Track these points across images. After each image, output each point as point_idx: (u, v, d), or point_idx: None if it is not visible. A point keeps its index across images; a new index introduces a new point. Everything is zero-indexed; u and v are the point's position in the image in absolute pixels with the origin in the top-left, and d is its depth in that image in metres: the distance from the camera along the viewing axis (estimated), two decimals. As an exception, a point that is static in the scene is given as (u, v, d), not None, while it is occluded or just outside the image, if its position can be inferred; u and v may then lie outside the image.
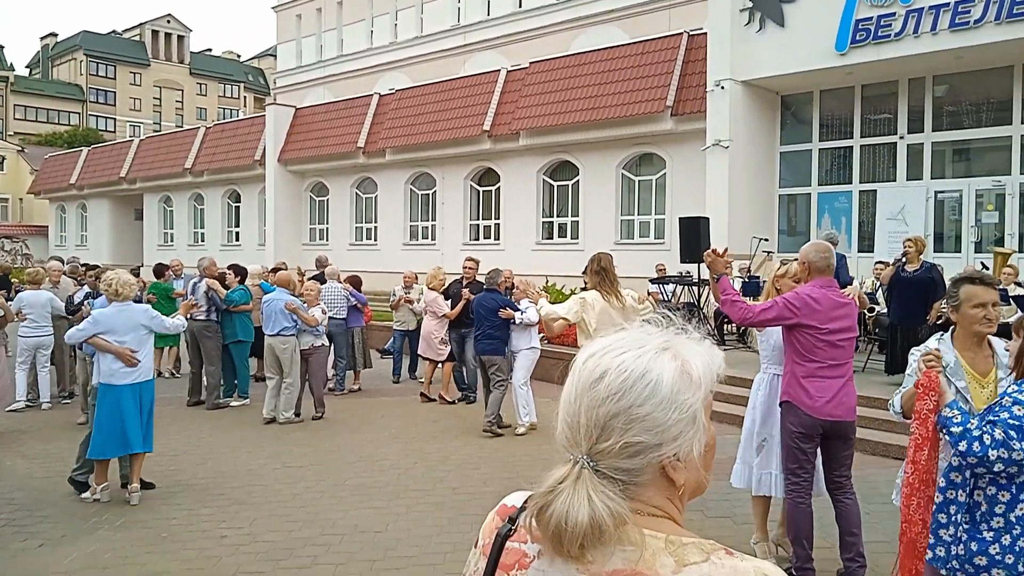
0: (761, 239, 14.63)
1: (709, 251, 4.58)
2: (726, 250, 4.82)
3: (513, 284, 10.49)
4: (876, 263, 12.75)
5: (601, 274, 6.31)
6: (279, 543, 5.46)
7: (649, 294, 15.41)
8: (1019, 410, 2.79)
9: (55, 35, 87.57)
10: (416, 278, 12.64)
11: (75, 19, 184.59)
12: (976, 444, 2.81)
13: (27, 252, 36.24)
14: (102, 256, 31.39)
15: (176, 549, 5.35)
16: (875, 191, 15.51)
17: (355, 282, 12.01)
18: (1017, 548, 2.80)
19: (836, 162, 16.39)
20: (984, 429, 2.83)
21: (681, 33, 17.86)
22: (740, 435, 5.34)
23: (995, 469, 2.80)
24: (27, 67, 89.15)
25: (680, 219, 13.63)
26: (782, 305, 4.45)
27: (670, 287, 14.64)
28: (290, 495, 6.54)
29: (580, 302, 6.21)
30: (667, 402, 1.05)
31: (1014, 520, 2.83)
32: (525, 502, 1.15)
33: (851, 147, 15.98)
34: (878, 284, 11.06)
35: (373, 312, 13.01)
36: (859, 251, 15.59)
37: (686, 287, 14.23)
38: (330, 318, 10.57)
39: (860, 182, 15.89)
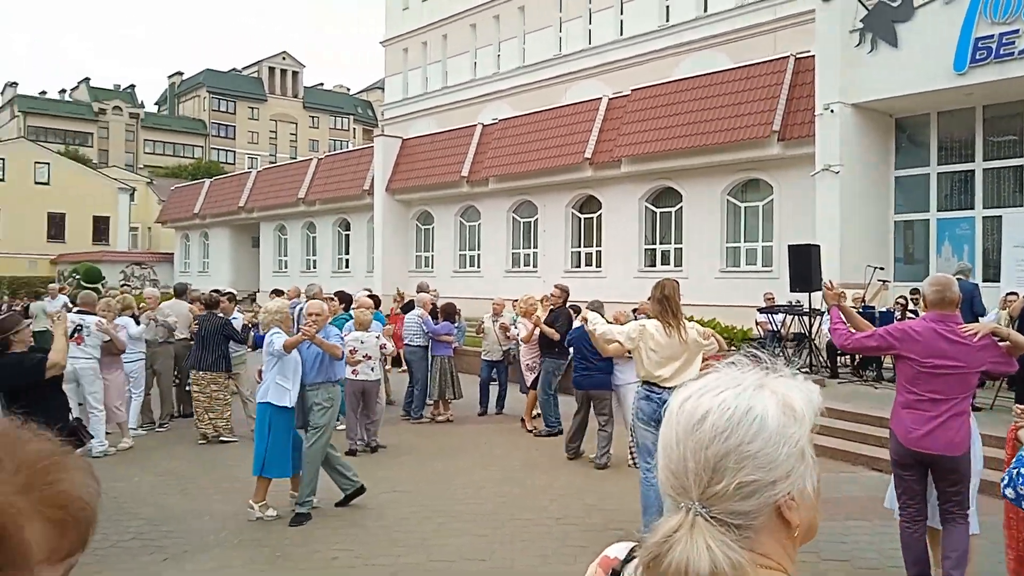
0: (876, 268, 14.07)
1: (826, 281, 4.94)
2: (831, 282, 5.35)
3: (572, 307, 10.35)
4: (1008, 294, 12.04)
5: (663, 303, 5.87)
6: (388, 567, 5.58)
7: (757, 324, 15.06)
8: None
9: (181, 74, 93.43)
10: (503, 305, 12.47)
11: (199, 58, 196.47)
12: None
13: (154, 278, 38.50)
14: (222, 281, 33.02)
15: (289, 569, 5.55)
16: (1000, 217, 14.69)
17: (449, 310, 11.80)
18: None
19: (956, 187, 15.63)
20: None
21: (788, 56, 17.51)
22: (860, 472, 5.26)
23: None
24: (156, 104, 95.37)
25: (789, 247, 13.27)
26: (882, 334, 4.71)
27: (779, 317, 14.25)
28: (397, 519, 6.68)
29: (640, 330, 5.91)
30: (776, 437, 1.02)
31: None
32: (630, 553, 1.13)
33: (973, 171, 15.22)
34: (1005, 316, 10.43)
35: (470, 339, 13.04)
36: (983, 280, 14.74)
37: (796, 317, 13.81)
38: (407, 345, 10.97)
39: (984, 207, 15.09)
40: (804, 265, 12.47)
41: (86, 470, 0.72)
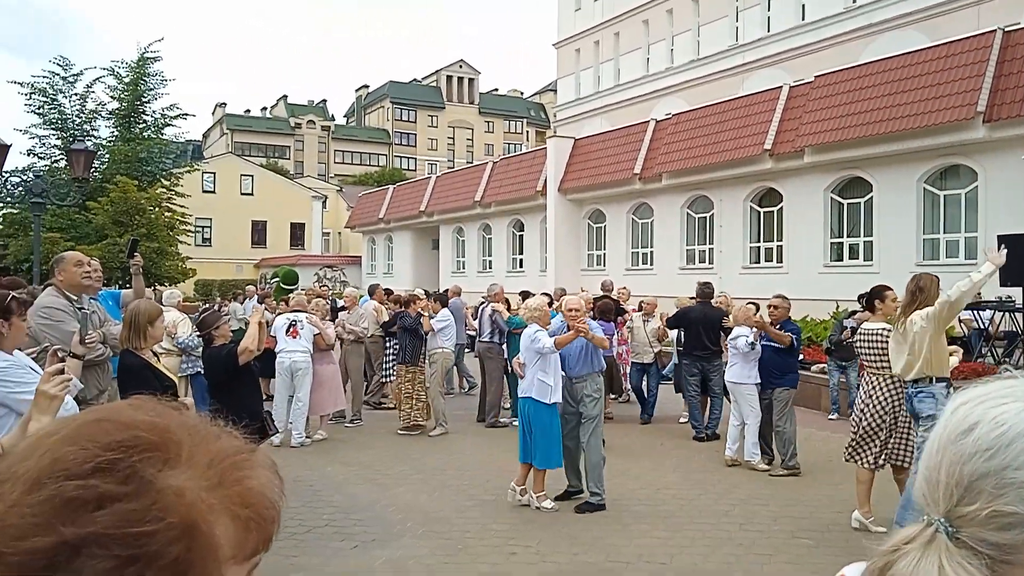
0: (1104, 258, 12.51)
1: None
2: None
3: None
4: None
5: (918, 294, 5.84)
6: (564, 565, 5.60)
7: (961, 321, 13.86)
8: None
9: (367, 86, 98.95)
10: (655, 305, 11.89)
11: (384, 70, 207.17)
12: None
13: (344, 279, 40.90)
14: (405, 282, 34.57)
15: (469, 561, 5.70)
16: None
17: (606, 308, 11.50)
18: None
19: None
20: None
21: (994, 30, 15.93)
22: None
23: None
24: (345, 116, 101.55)
25: (999, 237, 12.07)
26: None
27: (987, 313, 13.03)
28: (574, 517, 6.70)
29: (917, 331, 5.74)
30: None
31: None
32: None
33: None
34: None
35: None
36: None
37: (1007, 313, 12.58)
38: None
39: None
40: (1017, 256, 11.29)
41: (272, 468, 0.72)
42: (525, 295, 11.78)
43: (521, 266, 30.68)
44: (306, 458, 8.97)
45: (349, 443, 9.83)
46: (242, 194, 50.61)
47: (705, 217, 23.14)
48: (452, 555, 5.82)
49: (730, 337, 8.85)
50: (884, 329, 6.31)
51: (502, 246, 31.76)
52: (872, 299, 6.81)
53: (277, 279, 35.07)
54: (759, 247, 21.62)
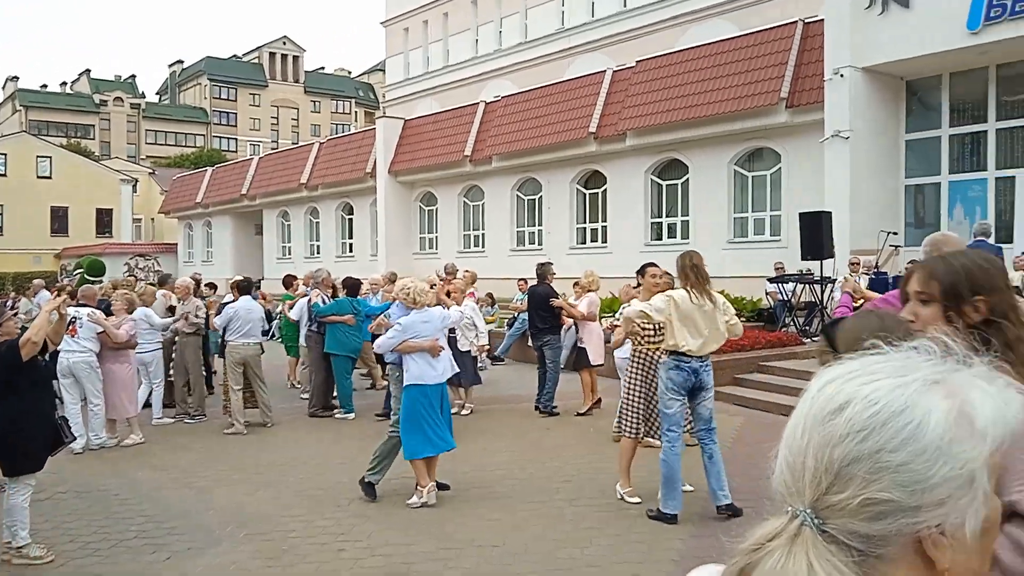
0: (888, 233, 13.79)
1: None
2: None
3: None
4: (1020, 254, 11.78)
5: (695, 272, 5.98)
6: (397, 557, 5.41)
7: (767, 294, 14.83)
8: None
9: (181, 62, 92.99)
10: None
11: (200, 46, 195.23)
12: None
13: (159, 269, 38.28)
14: (226, 270, 32.87)
15: (296, 563, 5.37)
16: (1014, 177, 14.36)
17: (354, 287, 11.14)
18: None
19: (968, 148, 15.26)
20: None
21: (795, 21, 17.08)
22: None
23: None
24: (157, 94, 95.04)
25: (800, 214, 13.02)
26: (874, 303, 4.27)
27: (790, 286, 14.00)
28: (406, 505, 6.50)
29: (669, 301, 5.92)
30: (934, 451, 0.78)
31: None
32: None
33: (985, 131, 14.85)
34: (1019, 278, 10.18)
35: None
36: (997, 242, 14.42)
37: (807, 285, 13.56)
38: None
39: (996, 168, 14.74)
40: (815, 233, 12.24)
41: None
42: (349, 282, 11.22)
43: (351, 251, 29.95)
44: (114, 464, 8.21)
45: (164, 445, 9.10)
46: (39, 177, 46.19)
47: (534, 199, 23.48)
48: (276, 557, 5.47)
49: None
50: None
51: (331, 230, 30.85)
52: (637, 275, 7.26)
53: (81, 270, 32.36)
54: (585, 228, 22.21)
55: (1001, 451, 0.80)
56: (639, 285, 7.25)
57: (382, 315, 6.89)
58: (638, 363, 6.72)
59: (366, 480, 6.70)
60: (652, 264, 7.16)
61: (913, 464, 0.78)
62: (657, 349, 6.53)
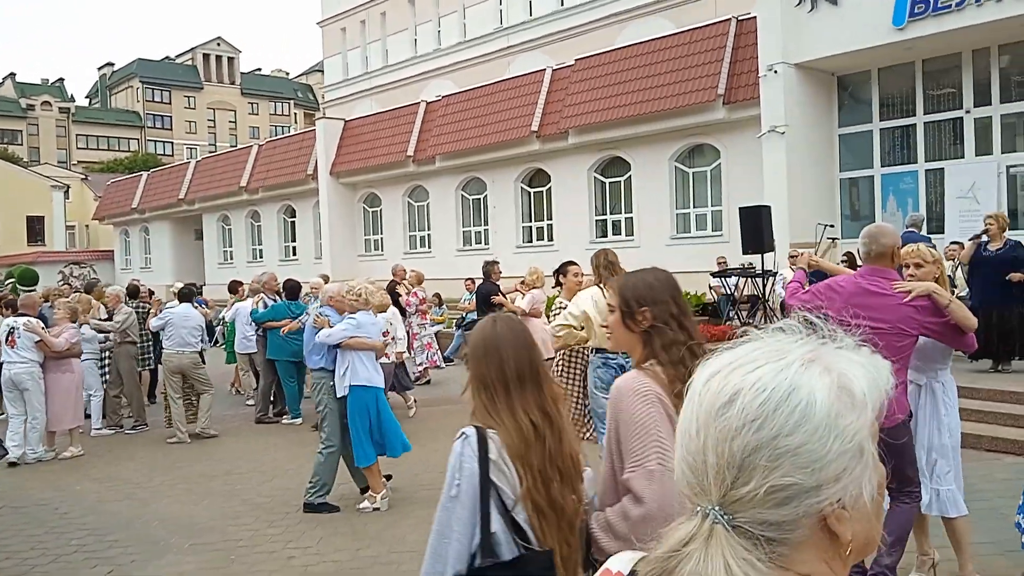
0: (826, 225, 14.15)
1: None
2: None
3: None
4: (950, 243, 12.19)
5: (611, 269, 5.95)
6: (346, 562, 5.36)
7: (711, 288, 15.08)
8: None
9: (112, 64, 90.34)
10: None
11: (130, 48, 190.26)
12: None
13: (95, 277, 37.24)
14: (166, 277, 32.09)
15: (244, 572, 5.28)
16: (942, 169, 14.85)
17: (294, 289, 10.93)
18: None
19: (899, 142, 15.74)
20: None
21: (729, 19, 17.41)
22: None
23: None
24: (87, 97, 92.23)
25: (740, 209, 13.26)
26: (811, 291, 4.33)
27: (732, 280, 14.26)
28: (356, 511, 6.44)
29: (585, 302, 5.96)
30: (824, 429, 0.79)
31: None
32: (635, 567, 0.91)
33: (914, 125, 15.33)
34: (956, 265, 10.54)
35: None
36: (928, 232, 14.93)
37: (749, 279, 13.83)
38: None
39: (926, 160, 15.24)
40: (755, 227, 12.48)
41: None
42: (289, 285, 11.01)
43: (295, 254, 29.51)
44: (53, 477, 7.97)
45: (104, 457, 8.86)
46: (-36, 185, 44.54)
47: (479, 199, 23.45)
48: (223, 567, 5.37)
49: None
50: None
51: (273, 234, 30.35)
52: (558, 275, 7.33)
53: (13, 280, 31.29)
54: (531, 226, 22.27)
55: (879, 416, 0.83)
56: (560, 284, 7.28)
57: (318, 314, 6.71)
58: (565, 363, 6.74)
59: (315, 504, 6.44)
60: (572, 263, 7.20)
61: (809, 444, 0.79)
62: (584, 347, 6.54)
